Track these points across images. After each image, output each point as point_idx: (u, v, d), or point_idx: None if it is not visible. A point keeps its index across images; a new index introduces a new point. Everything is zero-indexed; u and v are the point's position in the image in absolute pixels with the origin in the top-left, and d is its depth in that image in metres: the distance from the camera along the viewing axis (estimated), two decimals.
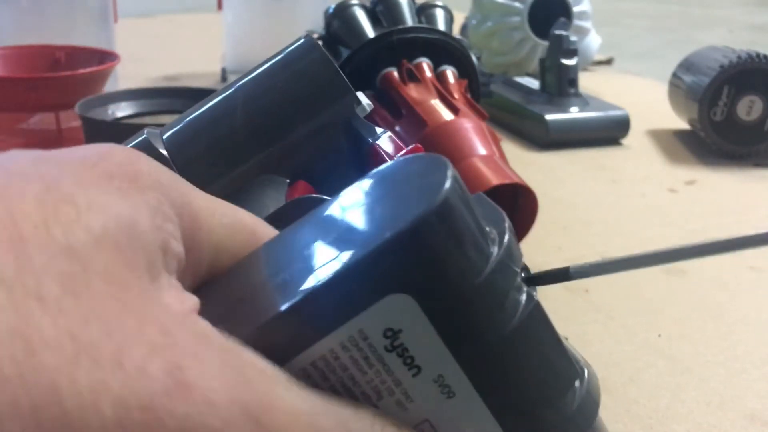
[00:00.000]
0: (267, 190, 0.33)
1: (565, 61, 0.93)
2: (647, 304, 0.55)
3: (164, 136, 0.34)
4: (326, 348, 0.16)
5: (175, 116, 0.36)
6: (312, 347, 0.16)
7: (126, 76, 1.04)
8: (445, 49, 0.69)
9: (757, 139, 0.86)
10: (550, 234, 0.65)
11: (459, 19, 1.02)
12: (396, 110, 0.65)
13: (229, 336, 0.15)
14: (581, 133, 0.90)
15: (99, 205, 0.14)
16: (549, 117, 0.89)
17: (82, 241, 0.14)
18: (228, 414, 0.14)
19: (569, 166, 0.85)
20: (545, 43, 1.00)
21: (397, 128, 0.64)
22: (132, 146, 0.31)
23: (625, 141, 0.92)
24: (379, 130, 0.33)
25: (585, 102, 0.93)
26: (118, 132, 0.60)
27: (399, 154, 0.31)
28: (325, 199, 0.20)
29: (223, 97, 0.35)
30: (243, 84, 0.35)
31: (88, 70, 0.80)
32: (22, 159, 0.15)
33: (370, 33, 0.70)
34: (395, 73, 0.66)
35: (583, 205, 0.73)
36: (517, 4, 1.06)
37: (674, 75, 0.94)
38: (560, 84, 0.93)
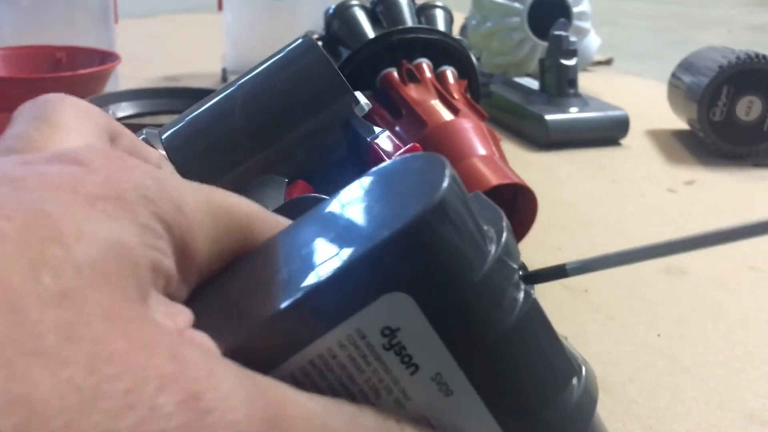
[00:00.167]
0: (266, 189, 0.33)
1: (564, 62, 0.93)
2: (647, 303, 0.55)
3: (163, 137, 0.34)
4: (324, 346, 0.16)
5: (176, 117, 0.36)
6: (309, 346, 0.16)
7: (126, 76, 1.04)
8: (444, 50, 0.69)
9: (756, 139, 0.86)
10: (550, 234, 0.65)
11: (459, 20, 1.02)
12: (396, 110, 0.65)
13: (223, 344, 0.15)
14: (581, 133, 0.90)
15: (86, 236, 0.14)
16: (548, 117, 0.89)
17: (73, 283, 0.13)
18: (248, 429, 0.13)
19: (569, 166, 0.85)
20: (545, 44, 1.00)
21: (397, 128, 0.64)
22: None
23: (624, 141, 0.92)
24: (377, 129, 0.33)
25: (584, 102, 0.93)
26: None
27: (397, 153, 0.31)
28: (323, 199, 0.20)
29: (222, 97, 0.35)
30: (242, 84, 0.35)
31: (88, 70, 0.80)
32: None
33: (370, 33, 0.70)
34: (395, 74, 0.66)
35: (583, 205, 0.73)
36: (516, 5, 1.06)
37: (673, 75, 0.94)
38: (560, 84, 0.93)
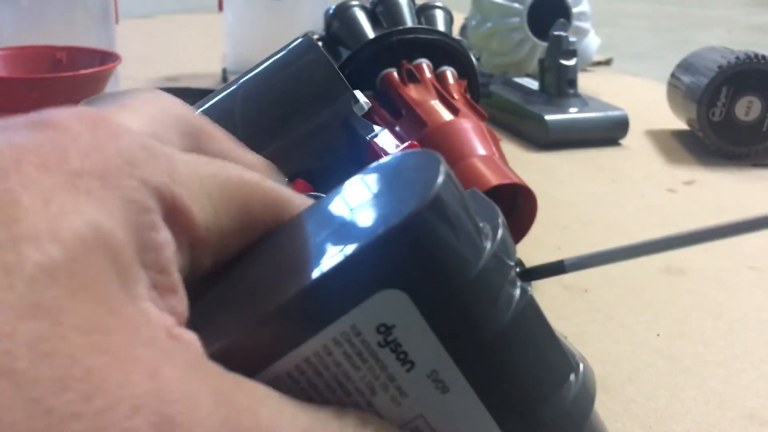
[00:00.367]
0: None
1: (564, 62, 0.93)
2: (646, 303, 0.55)
3: None
4: (319, 344, 0.16)
5: None
6: (305, 344, 0.16)
7: (127, 76, 1.04)
8: (444, 50, 0.69)
9: (755, 139, 0.86)
10: (550, 234, 0.65)
11: (459, 20, 1.02)
12: (396, 111, 0.66)
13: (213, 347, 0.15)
14: (580, 133, 0.91)
15: (63, 232, 0.13)
16: (548, 117, 0.89)
17: (49, 291, 0.12)
18: None
19: (568, 166, 0.85)
20: (544, 44, 1.00)
21: (397, 129, 0.64)
22: None
23: (624, 141, 0.93)
24: (376, 127, 0.33)
25: (584, 102, 0.93)
26: None
27: (395, 151, 0.32)
28: (323, 197, 0.20)
29: (222, 97, 0.35)
30: (241, 83, 0.35)
31: (89, 70, 0.80)
32: None
33: (370, 34, 0.70)
34: (395, 74, 0.67)
35: (583, 205, 0.74)
36: (516, 5, 1.06)
37: (673, 75, 0.94)
38: (559, 84, 0.93)
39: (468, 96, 0.68)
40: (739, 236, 0.17)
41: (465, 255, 0.16)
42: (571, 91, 0.93)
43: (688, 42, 1.59)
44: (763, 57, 0.84)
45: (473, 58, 0.71)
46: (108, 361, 0.12)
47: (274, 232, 0.19)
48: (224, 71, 1.14)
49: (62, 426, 0.11)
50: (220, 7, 1.49)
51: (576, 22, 1.07)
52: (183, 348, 0.14)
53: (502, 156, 0.60)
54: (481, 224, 0.17)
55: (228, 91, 0.36)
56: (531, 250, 0.59)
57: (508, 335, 0.16)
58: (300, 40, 0.36)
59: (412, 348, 0.16)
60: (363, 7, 0.73)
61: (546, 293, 0.55)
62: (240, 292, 0.17)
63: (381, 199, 0.17)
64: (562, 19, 0.97)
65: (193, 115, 0.19)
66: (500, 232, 0.17)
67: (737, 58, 0.85)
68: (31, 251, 0.12)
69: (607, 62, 1.34)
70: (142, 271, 0.14)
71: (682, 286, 0.58)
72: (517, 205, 0.58)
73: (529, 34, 1.06)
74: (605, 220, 0.70)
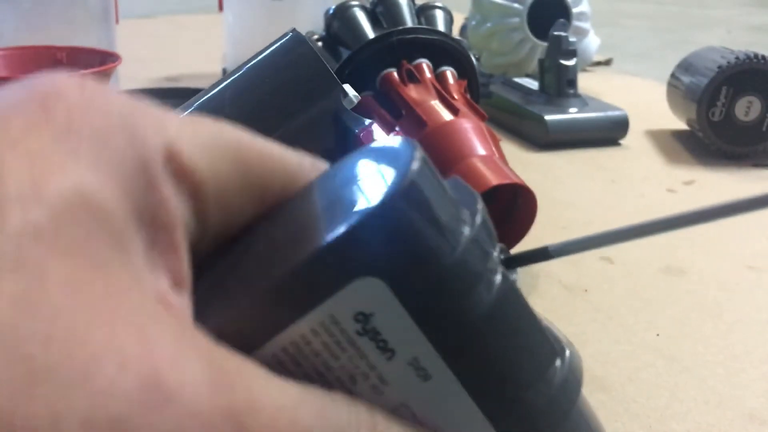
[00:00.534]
0: None
1: (564, 62, 0.93)
2: (646, 303, 0.55)
3: None
4: (297, 333, 0.15)
5: None
6: (283, 332, 0.15)
7: (127, 76, 1.04)
8: (444, 50, 0.69)
9: (755, 139, 0.86)
10: (550, 234, 0.65)
11: (458, 20, 1.02)
12: (396, 111, 0.66)
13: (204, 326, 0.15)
14: (580, 133, 0.91)
15: (49, 192, 0.13)
16: (548, 117, 0.89)
17: (32, 251, 0.12)
18: (210, 421, 0.13)
19: (568, 166, 0.85)
20: (544, 44, 1.00)
21: (397, 129, 0.64)
22: None
23: (624, 141, 0.93)
24: (366, 120, 0.33)
25: (584, 102, 0.93)
26: None
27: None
28: None
29: (212, 94, 0.36)
30: (231, 80, 0.36)
31: (89, 70, 0.80)
32: None
33: (370, 34, 0.70)
34: (395, 74, 0.67)
35: (582, 205, 0.74)
36: (516, 5, 1.06)
37: (673, 75, 0.94)
38: (559, 84, 0.93)
39: (468, 96, 0.68)
40: (718, 220, 0.17)
41: (441, 241, 0.15)
42: (571, 91, 0.93)
43: (688, 42, 1.59)
44: (763, 57, 0.84)
45: (473, 58, 0.71)
46: (93, 319, 0.12)
47: (282, 206, 0.18)
48: (224, 71, 1.14)
49: (46, 374, 0.11)
50: (220, 7, 1.50)
51: (576, 22, 1.07)
52: (171, 314, 0.14)
53: (502, 156, 0.60)
54: (460, 210, 0.17)
55: (218, 87, 0.36)
56: None
57: (488, 321, 0.16)
58: (288, 35, 0.36)
59: (391, 336, 0.15)
60: (363, 7, 0.73)
61: (546, 293, 0.55)
62: (234, 269, 0.17)
63: (356, 187, 0.16)
64: (562, 19, 0.97)
65: (235, 133, 0.18)
66: (479, 217, 0.17)
67: (737, 58, 0.85)
68: (15, 211, 0.12)
69: (607, 62, 1.34)
70: (137, 233, 0.14)
71: (681, 286, 0.58)
72: (516, 205, 0.58)
73: (529, 34, 1.06)
74: (605, 220, 0.70)
